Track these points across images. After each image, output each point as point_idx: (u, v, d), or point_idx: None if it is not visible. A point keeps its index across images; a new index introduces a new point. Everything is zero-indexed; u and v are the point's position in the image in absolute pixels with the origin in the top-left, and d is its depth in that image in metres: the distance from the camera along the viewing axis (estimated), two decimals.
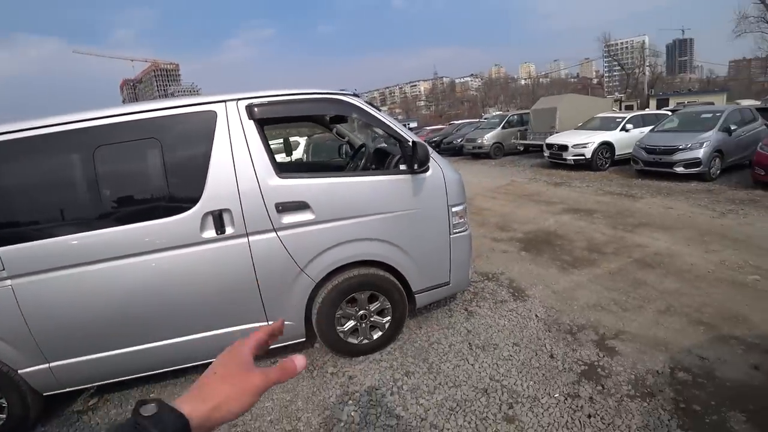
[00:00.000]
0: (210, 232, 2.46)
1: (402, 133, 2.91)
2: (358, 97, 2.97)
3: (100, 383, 2.81)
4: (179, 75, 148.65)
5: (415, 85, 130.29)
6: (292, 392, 2.87)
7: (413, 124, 39.51)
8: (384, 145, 4.14)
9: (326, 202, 2.65)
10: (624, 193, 8.23)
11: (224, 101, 2.55)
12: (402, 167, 2.94)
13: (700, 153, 8.49)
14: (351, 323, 3.01)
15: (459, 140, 17.89)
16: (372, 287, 2.94)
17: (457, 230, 3.13)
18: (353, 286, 2.87)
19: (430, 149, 2.87)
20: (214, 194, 2.45)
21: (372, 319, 3.06)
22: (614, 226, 6.01)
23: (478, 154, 16.20)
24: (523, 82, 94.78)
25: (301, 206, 2.60)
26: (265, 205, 2.52)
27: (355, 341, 3.06)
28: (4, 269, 2.43)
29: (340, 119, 3.70)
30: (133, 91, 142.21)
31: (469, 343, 3.25)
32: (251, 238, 2.53)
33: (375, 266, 2.91)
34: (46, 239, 2.41)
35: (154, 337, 2.63)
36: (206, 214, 2.44)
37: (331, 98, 2.82)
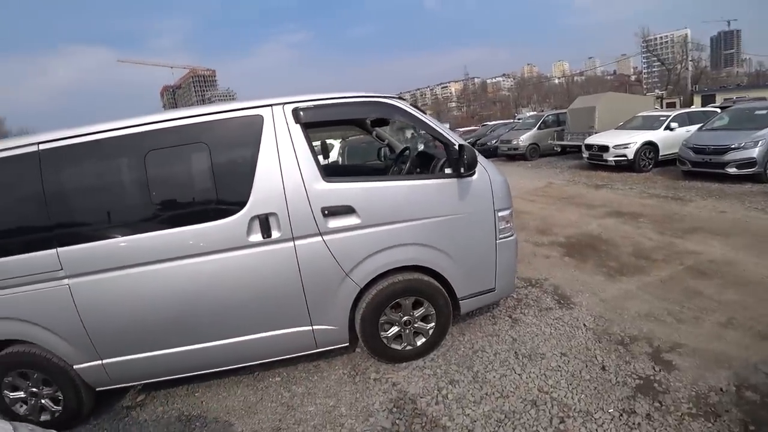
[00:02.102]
0: (256, 236, 2.47)
1: (448, 136, 2.84)
2: (404, 99, 2.92)
3: (148, 381, 2.88)
4: (216, 80, 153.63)
5: (446, 87, 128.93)
6: (334, 397, 2.84)
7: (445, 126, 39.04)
8: (423, 148, 4.06)
9: (372, 206, 2.61)
10: (671, 196, 7.81)
11: (271, 105, 2.56)
12: (447, 171, 2.87)
13: (755, 152, 7.93)
14: (395, 329, 2.96)
15: (493, 141, 17.56)
16: (417, 293, 2.88)
17: (503, 235, 3.03)
18: (398, 292, 2.82)
19: (476, 152, 2.78)
20: (260, 198, 2.46)
21: (416, 325, 3.00)
22: (662, 231, 5.69)
23: (513, 156, 15.85)
24: (556, 80, 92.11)
25: (347, 210, 2.57)
26: (311, 210, 2.50)
27: (398, 347, 3.01)
28: (62, 269, 2.53)
29: (382, 122, 3.67)
30: (173, 96, 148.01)
31: (515, 352, 3.13)
32: (297, 242, 2.52)
33: (420, 272, 2.85)
34: (100, 241, 2.49)
35: (201, 338, 2.67)
36: (253, 218, 2.45)
37: (376, 101, 2.79)
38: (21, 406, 2.93)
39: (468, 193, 2.83)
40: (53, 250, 2.50)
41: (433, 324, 3.02)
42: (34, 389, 2.90)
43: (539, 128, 15.89)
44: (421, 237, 2.76)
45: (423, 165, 3.40)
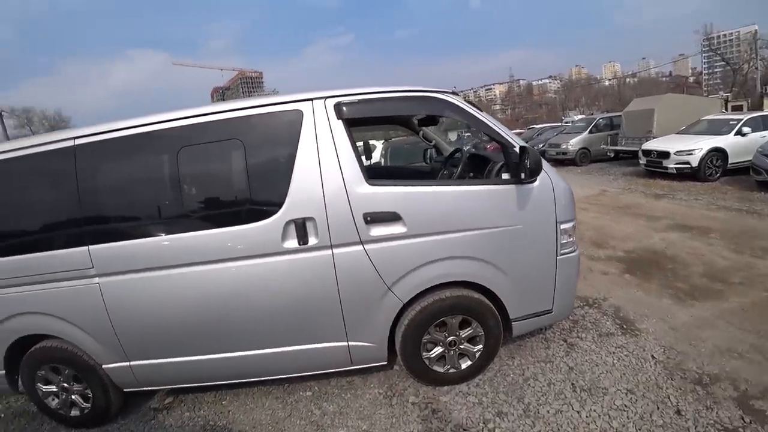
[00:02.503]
0: (292, 242, 2.26)
1: (507, 137, 2.51)
2: (457, 95, 2.62)
3: (176, 386, 2.76)
4: (263, 82, 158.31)
5: (490, 89, 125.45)
6: (368, 420, 2.59)
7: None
8: (474, 150, 3.73)
9: (420, 213, 2.34)
10: (745, 209, 6.99)
11: (311, 99, 2.33)
12: (505, 176, 2.54)
13: None
14: (438, 349, 2.66)
15: (541, 145, 16.69)
16: (465, 311, 2.57)
17: (564, 250, 2.66)
18: (444, 310, 2.53)
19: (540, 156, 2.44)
20: (297, 201, 2.24)
21: (462, 346, 2.69)
22: (739, 249, 5.04)
23: (562, 161, 14.94)
24: (606, 83, 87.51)
25: (392, 217, 2.31)
26: (352, 215, 2.26)
27: (441, 369, 2.71)
28: (93, 267, 2.43)
29: (431, 121, 3.38)
30: (222, 97, 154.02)
31: (572, 384, 2.76)
32: (336, 250, 2.28)
33: (470, 288, 2.54)
34: (129, 240, 2.38)
35: (230, 347, 2.50)
36: (289, 223, 2.24)
37: (427, 96, 2.50)
38: (53, 400, 2.92)
39: (528, 201, 2.49)
40: (85, 248, 2.41)
41: (480, 346, 2.70)
42: (65, 384, 2.88)
43: (590, 132, 14.94)
44: (472, 250, 2.45)
45: (476, 169, 3.08)
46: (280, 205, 2.24)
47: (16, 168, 2.55)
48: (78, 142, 2.42)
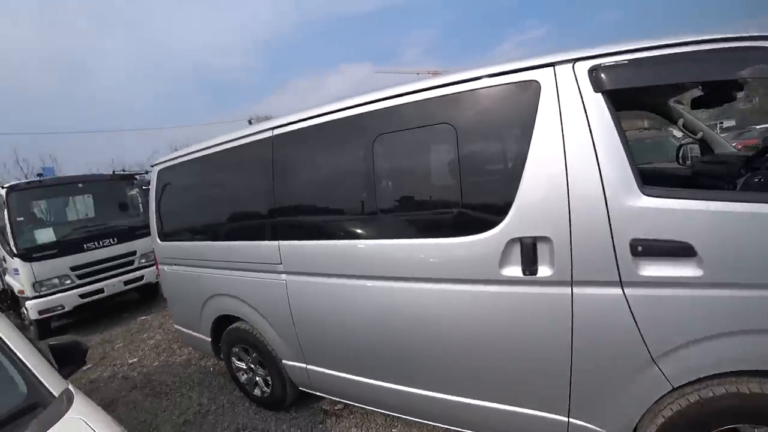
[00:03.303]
0: (513, 269, 1.59)
1: None
2: None
3: (348, 402, 2.47)
4: None
5: None
6: None
7: (729, 123, 29.42)
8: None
9: (732, 249, 1.36)
10: None
11: (552, 64, 1.57)
12: None
13: None
14: None
15: None
16: None
17: None
18: (743, 412, 1.49)
19: None
20: (527, 212, 1.55)
21: None
22: None
23: None
24: None
25: (681, 251, 1.40)
26: (612, 241, 1.45)
27: None
28: (281, 263, 2.29)
29: (719, 96, 2.20)
30: None
31: None
32: (578, 290, 1.51)
33: None
34: (313, 241, 2.14)
35: (408, 381, 2.02)
36: (512, 242, 1.57)
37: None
38: (242, 375, 3.06)
39: None
40: (276, 243, 2.29)
41: None
42: (252, 366, 2.97)
43: None
44: None
45: None
46: (501, 216, 1.58)
47: (229, 159, 2.63)
48: (276, 132, 2.29)
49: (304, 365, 2.47)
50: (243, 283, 2.59)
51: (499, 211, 1.59)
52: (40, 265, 5.55)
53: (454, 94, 1.73)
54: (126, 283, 6.29)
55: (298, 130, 2.17)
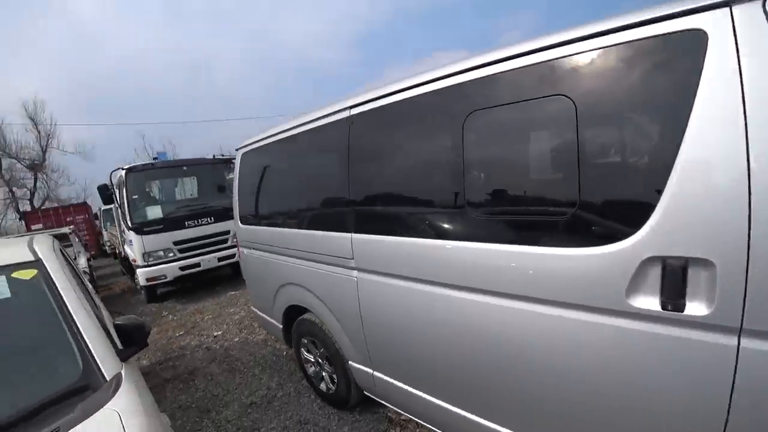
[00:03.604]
0: (647, 300, 1.16)
1: None
2: None
3: (416, 420, 2.21)
4: None
5: None
6: None
7: None
8: None
9: None
10: None
11: (727, 3, 1.07)
12: None
13: None
14: None
15: None
16: None
17: None
18: None
19: None
20: (677, 220, 1.10)
21: None
22: None
23: None
24: None
25: None
26: None
27: None
28: (353, 258, 2.08)
29: None
30: None
31: None
32: (748, 342, 1.05)
33: None
34: (389, 237, 1.88)
35: (490, 414, 1.68)
36: (649, 261, 1.14)
37: None
38: (310, 367, 2.98)
39: None
40: (348, 235, 2.09)
41: None
42: (320, 360, 2.86)
43: None
44: None
45: None
46: (636, 224, 1.16)
47: (304, 142, 2.50)
48: (353, 111, 2.07)
49: (370, 371, 2.27)
50: (313, 274, 2.46)
51: (634, 216, 1.16)
52: (149, 239, 6.20)
53: (572, 56, 1.29)
54: (220, 259, 6.77)
55: (378, 108, 1.91)
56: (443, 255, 1.62)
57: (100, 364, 1.35)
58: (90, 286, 3.30)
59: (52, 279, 1.57)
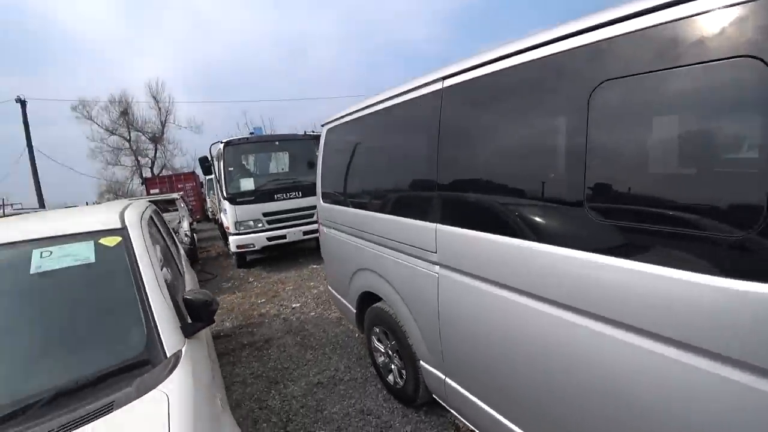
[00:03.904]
0: None
1: None
2: None
3: None
4: None
5: None
6: None
7: None
8: None
9: None
10: None
11: None
12: None
13: None
14: None
15: None
16: None
17: None
18: None
19: None
20: None
21: None
22: None
23: None
24: None
25: None
26: None
27: None
28: (436, 251, 1.84)
29: None
30: None
31: None
32: None
33: None
34: (479, 232, 1.59)
35: None
36: None
37: None
38: (379, 357, 2.87)
39: None
40: (433, 226, 1.85)
41: None
42: (390, 353, 2.71)
43: None
44: None
45: None
46: None
47: (390, 118, 2.29)
48: (446, 83, 1.79)
49: (442, 376, 2.04)
50: (390, 263, 2.28)
51: None
52: (241, 209, 6.60)
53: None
54: (305, 233, 6.99)
55: (476, 79, 1.61)
56: (554, 265, 1.29)
57: (163, 340, 1.31)
58: (182, 253, 3.52)
59: (132, 248, 1.59)
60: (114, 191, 26.61)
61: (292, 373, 3.25)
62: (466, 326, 1.73)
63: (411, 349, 2.29)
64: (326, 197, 3.21)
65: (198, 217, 16.50)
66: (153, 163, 27.05)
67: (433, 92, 1.85)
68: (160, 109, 26.90)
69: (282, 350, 3.70)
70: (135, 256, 1.56)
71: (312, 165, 7.26)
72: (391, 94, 2.20)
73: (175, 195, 9.18)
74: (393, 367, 2.70)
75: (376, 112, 2.38)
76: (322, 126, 3.21)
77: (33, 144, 15.84)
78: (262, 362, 3.51)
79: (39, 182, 16.05)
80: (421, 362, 2.22)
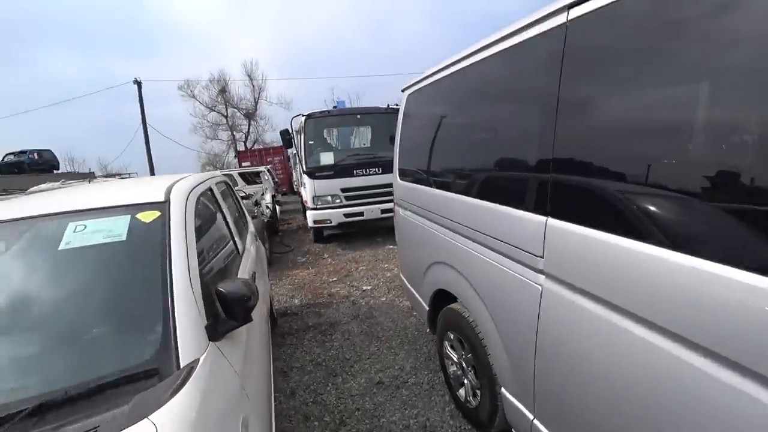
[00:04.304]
0: None
1: None
2: None
3: None
4: None
5: None
6: None
7: None
8: None
9: None
10: None
11: None
12: None
13: None
14: None
15: None
16: None
17: None
18: None
19: None
20: None
21: None
22: None
23: None
24: None
25: None
26: None
27: None
28: (543, 256, 1.32)
29: None
30: None
31: None
32: None
33: None
34: (624, 237, 1.03)
35: None
36: None
37: None
38: (451, 365, 2.46)
39: None
40: (542, 219, 1.32)
41: None
42: (463, 364, 2.26)
43: None
44: None
45: None
46: None
47: (484, 74, 1.75)
48: (573, 13, 1.21)
49: (530, 416, 1.55)
50: (473, 259, 1.81)
51: None
52: (319, 183, 6.49)
53: None
54: (383, 211, 6.69)
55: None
56: (689, 280, 0.74)
57: (179, 344, 1.03)
58: (251, 228, 3.35)
59: (169, 225, 1.34)
60: (213, 163, 29.39)
61: (353, 366, 2.97)
62: (577, 368, 1.21)
63: (491, 370, 1.82)
64: (404, 174, 2.79)
65: (284, 189, 17.28)
66: (246, 137, 29.36)
67: (551, 30, 1.29)
68: (253, 86, 29.04)
69: (346, 337, 3.44)
70: (170, 234, 1.31)
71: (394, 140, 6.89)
72: (488, 42, 1.67)
73: (262, 168, 9.52)
74: (466, 381, 2.25)
75: (466, 68, 1.87)
76: (402, 91, 2.76)
77: (146, 120, 17.85)
78: (324, 348, 3.29)
79: (151, 154, 18.09)
80: (503, 390, 1.75)
